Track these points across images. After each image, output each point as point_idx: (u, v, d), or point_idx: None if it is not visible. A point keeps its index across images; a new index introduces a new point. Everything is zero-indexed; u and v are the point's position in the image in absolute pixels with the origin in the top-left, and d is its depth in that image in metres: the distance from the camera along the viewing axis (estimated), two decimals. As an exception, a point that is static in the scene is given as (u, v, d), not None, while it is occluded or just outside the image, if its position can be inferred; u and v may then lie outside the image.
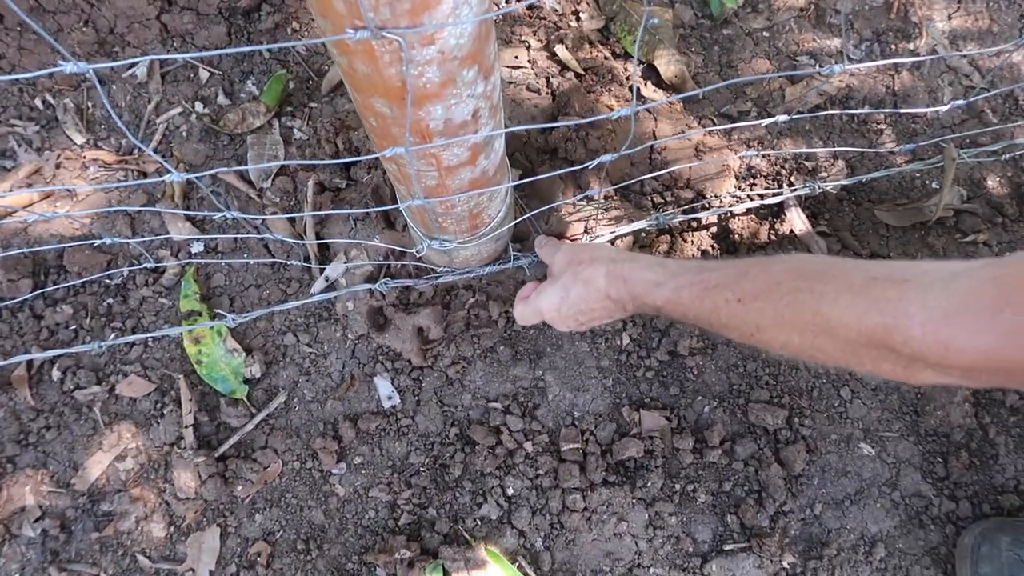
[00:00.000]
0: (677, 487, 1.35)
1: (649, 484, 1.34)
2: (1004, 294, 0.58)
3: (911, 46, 1.66)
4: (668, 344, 1.42)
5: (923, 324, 0.62)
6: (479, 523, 1.34)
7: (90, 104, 1.56)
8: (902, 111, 1.48)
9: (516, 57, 1.55)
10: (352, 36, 0.69)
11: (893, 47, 1.67)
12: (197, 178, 1.36)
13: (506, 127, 1.08)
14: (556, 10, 1.64)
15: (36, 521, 1.30)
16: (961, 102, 1.21)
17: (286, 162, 1.11)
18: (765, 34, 1.68)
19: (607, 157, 1.07)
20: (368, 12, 0.66)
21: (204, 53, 0.70)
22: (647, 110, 1.57)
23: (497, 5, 1.64)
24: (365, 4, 0.66)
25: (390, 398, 1.39)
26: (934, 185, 1.57)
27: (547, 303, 1.08)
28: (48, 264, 1.44)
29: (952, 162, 1.47)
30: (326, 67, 1.59)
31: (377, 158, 1.30)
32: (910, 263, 0.70)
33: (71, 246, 1.42)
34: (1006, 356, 0.58)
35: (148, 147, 1.52)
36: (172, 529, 1.32)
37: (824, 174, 1.56)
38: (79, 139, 1.53)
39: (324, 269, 1.43)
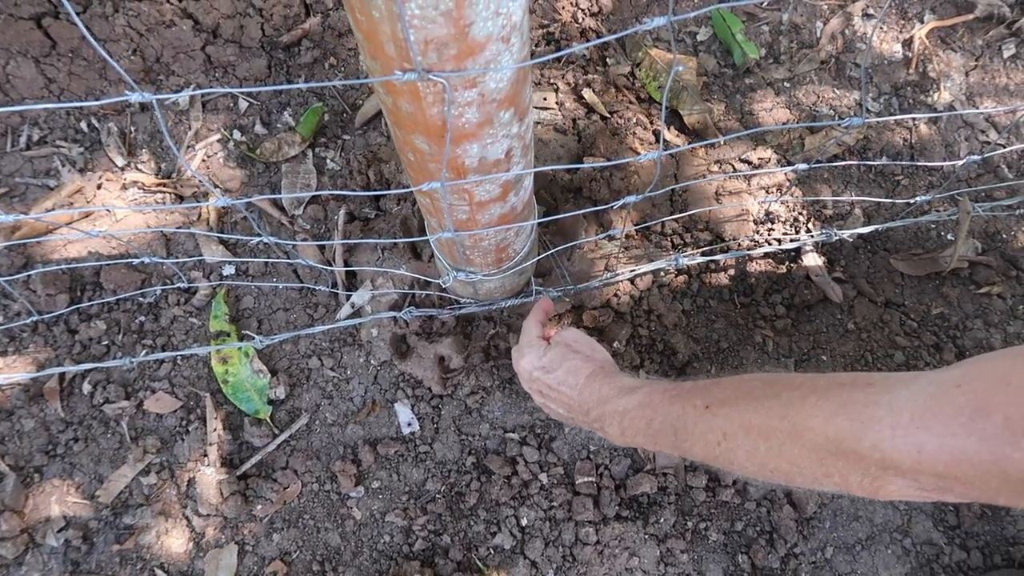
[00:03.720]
0: (689, 524, 1.37)
1: (662, 520, 1.36)
2: (973, 399, 0.56)
3: (929, 100, 1.70)
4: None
5: (892, 427, 0.59)
6: (492, 552, 1.35)
7: (132, 129, 1.62)
8: (919, 164, 1.52)
9: (545, 99, 1.60)
10: (400, 78, 0.74)
11: (911, 101, 1.72)
12: (236, 204, 1.42)
13: (535, 166, 1.12)
14: (584, 55, 1.69)
15: (60, 531, 1.33)
16: (976, 157, 1.25)
17: (319, 192, 1.15)
18: (786, 84, 1.73)
19: (632, 198, 1.12)
20: (417, 56, 0.71)
21: (254, 88, 0.75)
22: (670, 154, 1.61)
23: (533, 53, 1.70)
24: (415, 48, 0.71)
25: (409, 424, 1.42)
26: (949, 237, 1.61)
27: (528, 362, 1.07)
28: (85, 280, 1.48)
29: (967, 215, 1.50)
30: (360, 101, 1.65)
31: (407, 190, 1.35)
32: (876, 373, 0.68)
33: (108, 264, 1.47)
34: (981, 460, 0.55)
35: (188, 172, 1.58)
36: (191, 545, 1.34)
37: (841, 222, 1.60)
38: (120, 162, 1.59)
39: (351, 296, 1.47)
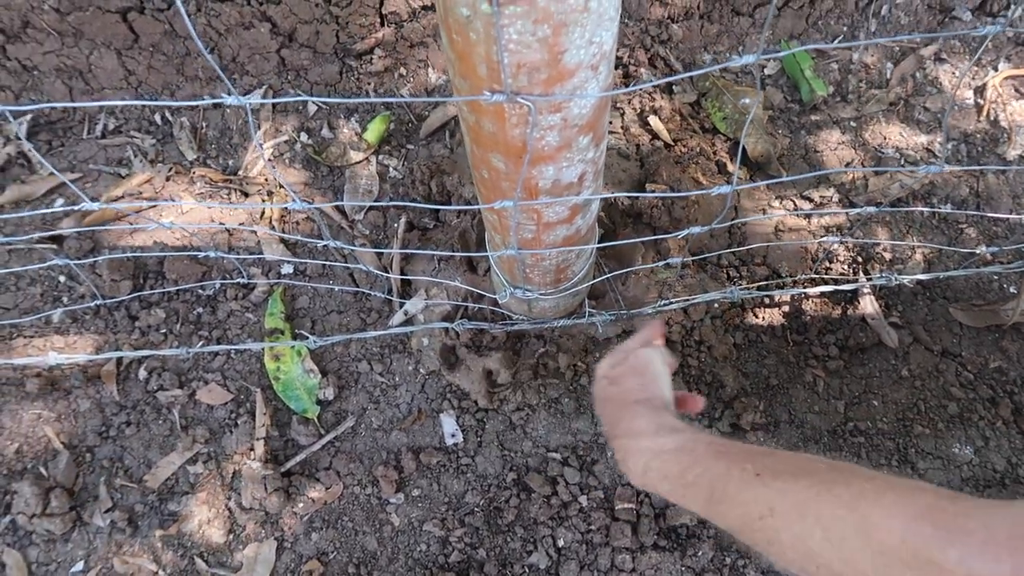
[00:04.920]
0: (728, 560, 1.35)
1: (699, 554, 1.34)
2: None
3: (998, 150, 1.68)
4: (731, 416, 1.44)
5: (984, 543, 0.52)
6: (527, 570, 1.35)
7: (204, 124, 1.66)
8: (987, 215, 1.49)
9: (610, 123, 1.61)
10: (489, 98, 0.75)
11: (980, 149, 1.69)
12: (303, 207, 1.44)
13: (602, 191, 1.13)
14: (651, 79, 1.70)
15: (106, 512, 1.36)
16: (1051, 213, 1.23)
17: (379, 203, 1.17)
18: (852, 123, 1.72)
19: (696, 229, 1.12)
20: (508, 79, 0.73)
21: (342, 99, 0.77)
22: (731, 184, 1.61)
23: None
24: (507, 71, 0.72)
25: (453, 436, 1.43)
26: (1012, 290, 1.57)
27: (603, 364, 1.04)
28: (148, 269, 1.52)
29: (1033, 269, 1.47)
30: (427, 112, 1.67)
31: (472, 207, 1.36)
32: (961, 493, 0.60)
33: (172, 255, 1.51)
34: None
35: (254, 170, 1.61)
36: (231, 537, 1.36)
37: (901, 266, 1.58)
38: (190, 155, 1.63)
39: (404, 303, 1.48)
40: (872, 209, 1.21)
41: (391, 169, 1.63)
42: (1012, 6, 1.76)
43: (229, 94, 0.81)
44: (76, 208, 0.99)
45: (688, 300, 1.46)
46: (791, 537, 0.64)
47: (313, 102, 1.46)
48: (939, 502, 0.57)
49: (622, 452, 0.88)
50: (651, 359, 1.04)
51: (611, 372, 1.02)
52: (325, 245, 1.21)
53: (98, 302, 1.46)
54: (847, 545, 0.60)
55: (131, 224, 1.53)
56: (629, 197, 1.54)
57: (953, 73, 1.75)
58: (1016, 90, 1.73)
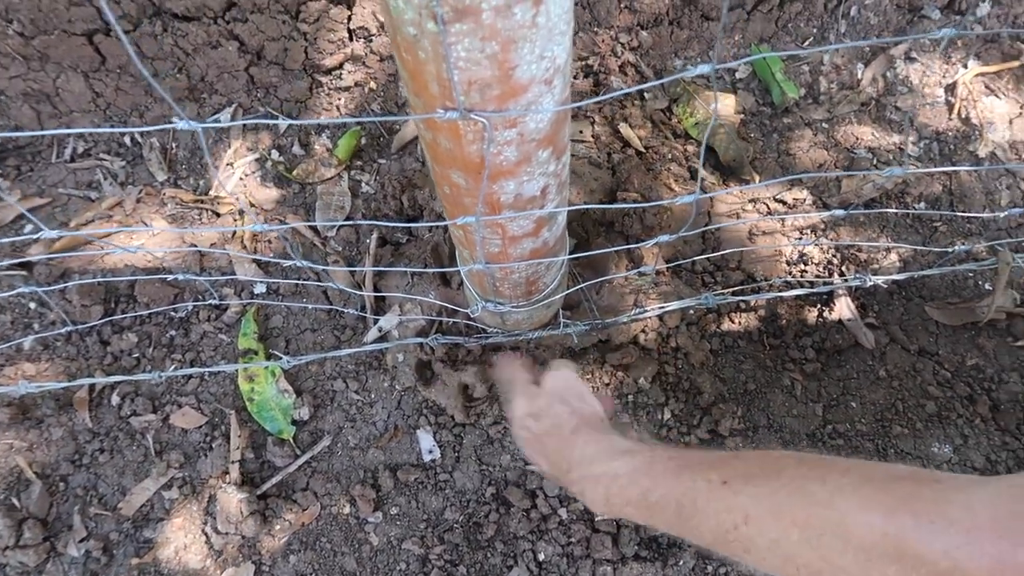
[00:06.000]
0: (709, 569, 1.34)
1: (681, 563, 1.33)
2: None
3: (970, 148, 1.68)
4: (709, 422, 1.43)
5: (968, 531, 0.50)
6: (508, 586, 1.34)
7: (174, 145, 1.65)
8: (959, 213, 1.49)
9: (581, 132, 1.60)
10: (442, 116, 0.75)
11: (952, 147, 1.69)
12: (272, 229, 1.44)
13: (570, 202, 1.12)
14: (622, 87, 1.70)
15: (81, 541, 1.34)
16: (1017, 210, 1.23)
17: (351, 222, 1.16)
18: (824, 125, 1.72)
19: (665, 237, 1.11)
20: (460, 96, 0.72)
21: (297, 120, 0.76)
22: (703, 190, 1.60)
23: (571, 86, 1.70)
24: (458, 89, 0.71)
25: (431, 452, 1.42)
26: (987, 287, 1.57)
27: (518, 407, 0.99)
28: (120, 293, 1.51)
29: (1007, 266, 1.47)
30: (397, 126, 1.66)
31: (441, 223, 1.36)
32: (939, 471, 0.59)
33: (143, 279, 1.49)
34: None
35: (225, 189, 1.60)
36: (209, 562, 1.35)
37: (876, 267, 1.58)
38: (160, 176, 1.62)
39: (378, 320, 1.47)
40: (841, 212, 1.20)
41: (363, 184, 1.62)
42: (980, 4, 1.77)
43: (180, 119, 0.80)
44: (41, 236, 0.98)
45: (663, 307, 1.46)
46: (768, 542, 0.62)
47: (271, 123, 1.45)
48: (918, 489, 0.55)
49: (579, 486, 0.84)
50: (566, 378, 0.98)
51: (531, 408, 0.96)
52: (293, 264, 1.20)
53: (69, 328, 1.45)
54: (827, 544, 0.58)
55: (101, 248, 1.52)
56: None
57: (924, 72, 1.75)
58: (987, 87, 1.74)
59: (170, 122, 0.76)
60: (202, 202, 1.59)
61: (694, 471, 0.71)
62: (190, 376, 1.45)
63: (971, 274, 1.59)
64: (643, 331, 1.48)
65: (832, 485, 0.59)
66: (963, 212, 1.50)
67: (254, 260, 1.54)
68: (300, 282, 1.51)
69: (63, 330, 1.45)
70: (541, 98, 0.79)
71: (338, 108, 1.67)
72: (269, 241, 1.58)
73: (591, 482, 0.81)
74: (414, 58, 0.71)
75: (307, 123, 0.97)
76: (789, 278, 1.55)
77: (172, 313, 1.50)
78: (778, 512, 0.62)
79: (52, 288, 1.44)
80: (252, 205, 1.59)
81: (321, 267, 1.13)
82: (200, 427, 1.42)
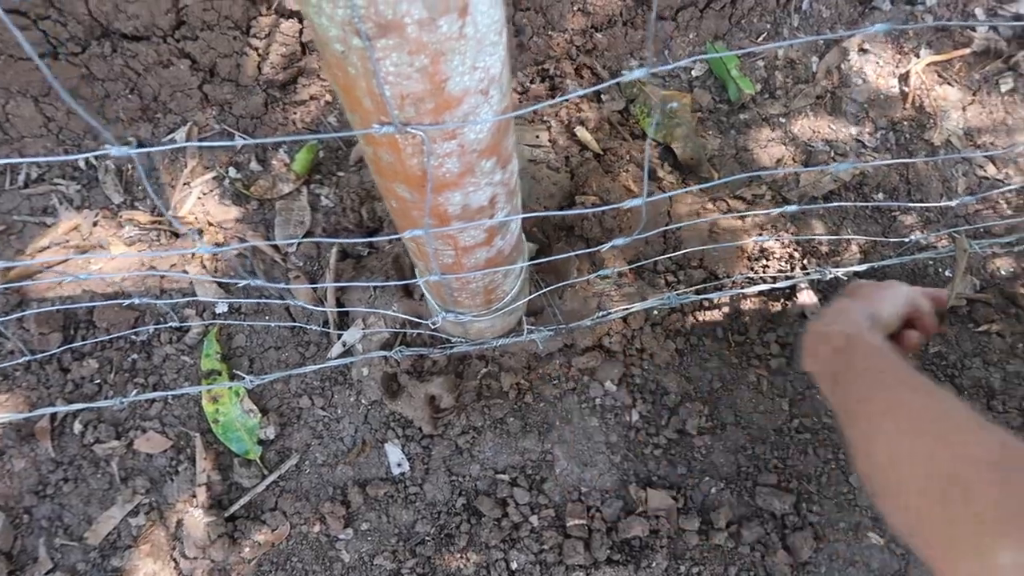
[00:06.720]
0: (682, 569, 1.35)
1: (654, 565, 1.34)
2: None
3: (925, 136, 1.69)
4: (677, 422, 1.43)
5: None
6: (482, 596, 1.34)
7: (129, 166, 1.63)
8: (914, 204, 1.50)
9: (537, 136, 1.60)
10: (378, 131, 0.74)
11: (907, 136, 1.71)
12: (227, 250, 1.42)
13: (524, 208, 1.12)
14: (577, 88, 1.70)
15: (47, 573, 1.32)
16: (970, 198, 1.24)
17: (311, 239, 1.15)
18: (781, 119, 1.73)
19: (619, 241, 1.11)
20: (394, 111, 0.71)
21: (265, 140, 0.75)
22: (662, 189, 1.61)
23: (527, 90, 1.70)
24: (391, 103, 0.71)
25: (400, 465, 1.41)
26: (947, 273, 1.59)
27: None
28: (79, 319, 1.49)
29: (964, 252, 1.48)
30: (355, 139, 1.65)
31: (396, 236, 1.35)
32: None
33: (102, 304, 1.47)
34: None
35: (182, 209, 1.58)
36: (179, 587, 1.34)
37: (838, 258, 1.59)
38: (117, 199, 1.60)
39: (342, 334, 1.46)
40: (794, 207, 1.21)
41: (322, 198, 1.61)
42: (929, -7, 1.78)
43: (110, 144, 0.79)
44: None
45: (627, 309, 1.46)
46: (880, 412, 0.69)
47: (196, 146, 1.44)
48: None
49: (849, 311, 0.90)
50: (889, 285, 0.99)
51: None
52: (247, 284, 1.19)
53: (28, 357, 1.43)
54: (924, 443, 0.62)
55: (58, 275, 1.50)
56: (560, 208, 1.54)
57: (877, 63, 1.77)
58: (939, 75, 1.75)
59: (139, 138, 0.75)
60: (159, 223, 1.58)
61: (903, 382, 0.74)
62: (153, 400, 1.44)
63: (931, 262, 1.60)
64: (608, 334, 1.48)
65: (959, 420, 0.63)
66: (919, 203, 1.51)
67: (215, 280, 1.52)
68: (262, 300, 1.49)
69: (22, 360, 1.43)
70: (478, 109, 0.78)
71: (294, 122, 1.65)
72: (229, 260, 1.56)
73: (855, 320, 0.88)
74: (344, 74, 0.71)
75: (264, 141, 0.96)
76: (751, 274, 1.55)
77: (133, 337, 1.49)
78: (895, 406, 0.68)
79: (8, 318, 1.42)
80: (211, 224, 1.57)
81: (281, 285, 1.12)
82: (165, 451, 1.40)
